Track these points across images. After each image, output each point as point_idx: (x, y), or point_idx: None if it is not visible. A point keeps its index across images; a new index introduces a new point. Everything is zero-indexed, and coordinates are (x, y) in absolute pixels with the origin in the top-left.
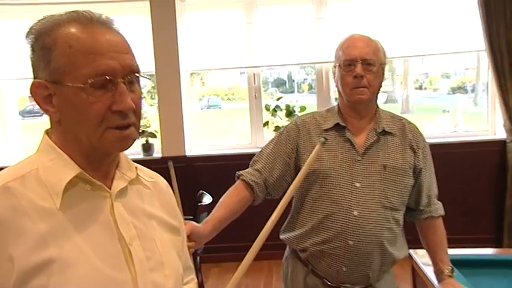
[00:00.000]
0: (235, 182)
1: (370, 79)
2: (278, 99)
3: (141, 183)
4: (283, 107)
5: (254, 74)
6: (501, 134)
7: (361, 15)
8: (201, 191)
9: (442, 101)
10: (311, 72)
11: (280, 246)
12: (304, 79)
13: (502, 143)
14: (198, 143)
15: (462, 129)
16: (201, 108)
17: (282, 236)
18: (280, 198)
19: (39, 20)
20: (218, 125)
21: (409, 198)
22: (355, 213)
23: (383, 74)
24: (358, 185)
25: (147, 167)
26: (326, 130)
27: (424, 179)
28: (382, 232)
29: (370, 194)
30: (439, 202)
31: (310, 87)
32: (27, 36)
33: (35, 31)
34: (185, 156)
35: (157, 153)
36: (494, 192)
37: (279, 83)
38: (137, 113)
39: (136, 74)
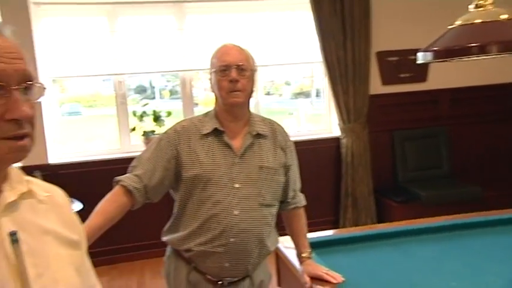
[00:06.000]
0: (105, 187)
1: (243, 83)
2: (144, 105)
3: (35, 198)
4: (149, 112)
5: (119, 81)
6: (336, 132)
7: (217, 28)
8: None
9: (287, 105)
10: (172, 80)
11: (151, 245)
12: (165, 86)
13: (337, 140)
14: (62, 150)
15: (305, 128)
16: (62, 115)
17: (164, 238)
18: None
19: None
20: (81, 131)
21: None
22: (236, 212)
23: (254, 79)
24: (237, 185)
25: None
26: (205, 135)
27: (291, 174)
28: (261, 228)
29: (248, 193)
30: (301, 194)
31: (172, 93)
32: None
33: None
34: (48, 164)
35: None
36: (333, 180)
37: (141, 90)
38: (32, 122)
39: (31, 82)
